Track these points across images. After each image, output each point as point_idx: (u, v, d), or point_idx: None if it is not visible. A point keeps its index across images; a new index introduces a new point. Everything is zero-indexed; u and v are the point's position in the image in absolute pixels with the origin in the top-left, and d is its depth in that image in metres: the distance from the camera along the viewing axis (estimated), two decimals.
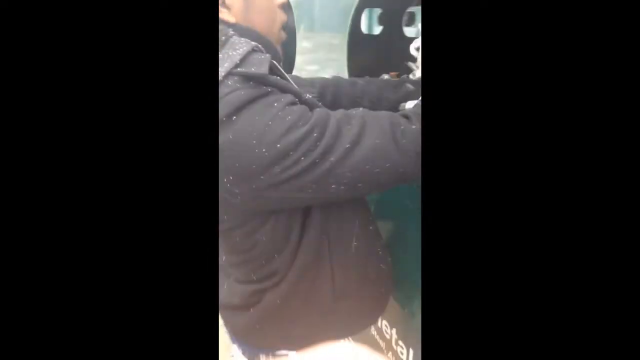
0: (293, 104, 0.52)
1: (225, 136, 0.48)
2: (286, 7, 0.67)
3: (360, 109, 0.57)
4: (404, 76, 1.06)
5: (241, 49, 0.52)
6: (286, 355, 0.71)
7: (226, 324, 0.74)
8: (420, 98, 0.73)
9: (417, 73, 0.96)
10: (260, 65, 0.51)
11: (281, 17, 0.65)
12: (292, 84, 0.56)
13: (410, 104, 0.80)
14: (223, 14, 0.59)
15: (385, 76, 1.15)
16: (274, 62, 0.55)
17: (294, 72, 1.23)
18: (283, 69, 0.58)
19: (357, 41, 1.11)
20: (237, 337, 0.74)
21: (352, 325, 0.74)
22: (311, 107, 0.54)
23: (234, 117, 0.48)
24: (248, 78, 0.50)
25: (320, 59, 1.24)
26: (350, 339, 0.80)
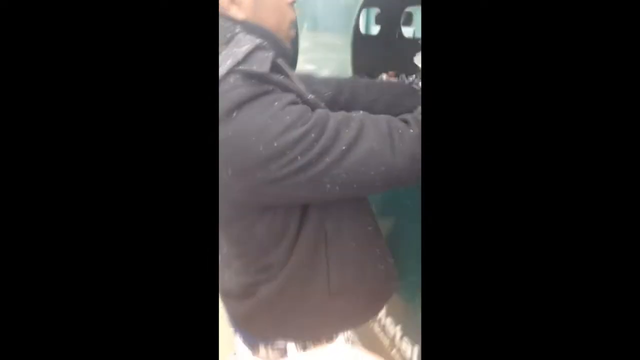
0: (294, 103, 0.52)
1: (225, 131, 0.49)
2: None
3: (361, 112, 0.57)
4: (402, 75, 1.07)
5: (245, 47, 0.52)
6: (284, 346, 0.72)
7: (227, 311, 0.76)
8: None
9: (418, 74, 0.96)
10: (262, 63, 0.51)
11: (291, 14, 0.65)
12: (295, 83, 0.56)
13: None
14: (232, 10, 0.59)
15: (384, 76, 1.15)
16: (280, 60, 0.55)
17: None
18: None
19: (361, 40, 1.11)
20: (237, 325, 0.76)
21: (347, 322, 0.75)
22: (313, 107, 0.55)
23: (234, 113, 0.49)
24: (250, 76, 0.50)
25: (318, 58, 1.25)
26: (350, 339, 0.80)
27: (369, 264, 0.72)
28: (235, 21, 0.59)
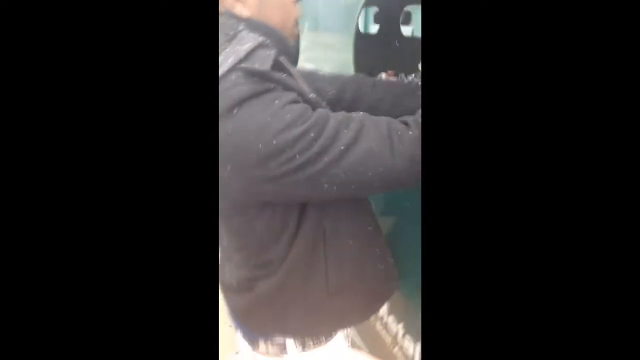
0: (294, 102, 0.53)
1: (225, 128, 0.49)
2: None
3: (361, 113, 0.57)
4: (401, 75, 1.07)
5: (247, 44, 0.53)
6: (283, 342, 0.72)
7: (228, 305, 0.77)
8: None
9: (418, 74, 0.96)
10: (264, 61, 0.52)
11: (295, 12, 0.66)
12: (297, 81, 0.56)
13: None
14: (237, 8, 0.59)
15: (383, 75, 1.16)
16: (282, 58, 0.55)
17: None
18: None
19: (363, 39, 1.11)
20: (237, 319, 0.76)
21: (346, 320, 0.75)
22: (313, 106, 0.55)
23: (235, 110, 0.49)
24: (251, 73, 0.51)
25: (318, 57, 1.25)
26: (349, 336, 0.80)
27: (368, 264, 0.72)
28: (239, 19, 0.59)
